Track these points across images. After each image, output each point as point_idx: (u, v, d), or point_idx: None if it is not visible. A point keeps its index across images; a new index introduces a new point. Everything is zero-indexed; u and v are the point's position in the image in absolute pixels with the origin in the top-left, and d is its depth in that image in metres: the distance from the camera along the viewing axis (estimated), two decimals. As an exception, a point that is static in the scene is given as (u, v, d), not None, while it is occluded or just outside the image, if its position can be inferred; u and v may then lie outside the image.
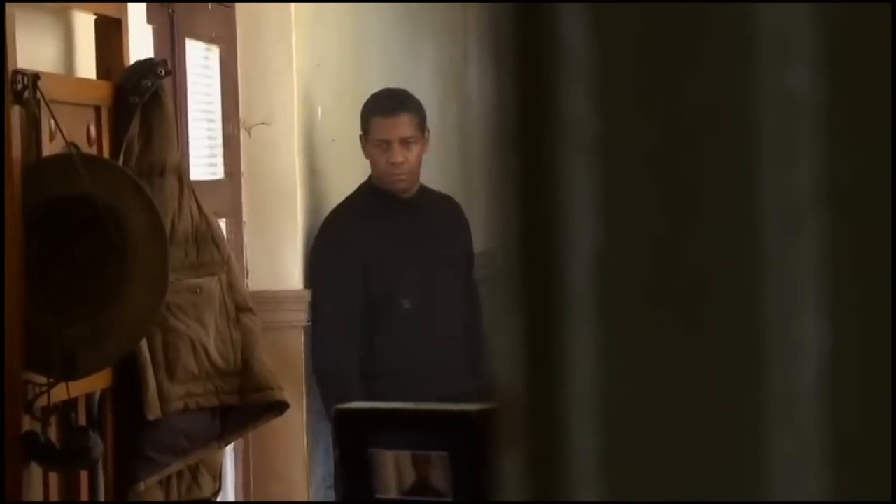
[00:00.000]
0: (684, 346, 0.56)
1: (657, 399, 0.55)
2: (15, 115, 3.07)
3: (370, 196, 4.70)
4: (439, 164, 5.80)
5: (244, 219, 4.77)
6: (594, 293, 0.55)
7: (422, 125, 4.70)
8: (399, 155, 4.62)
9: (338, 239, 4.60)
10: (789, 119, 0.55)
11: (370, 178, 4.69)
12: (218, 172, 4.70)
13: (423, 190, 4.78)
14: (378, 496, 2.01)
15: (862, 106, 0.55)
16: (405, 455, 1.99)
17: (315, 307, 4.49)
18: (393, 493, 2.01)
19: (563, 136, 0.55)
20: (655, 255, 0.55)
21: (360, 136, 4.67)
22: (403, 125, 4.65)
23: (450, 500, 1.96)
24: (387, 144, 4.61)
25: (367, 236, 4.59)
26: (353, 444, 2.04)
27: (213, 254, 3.62)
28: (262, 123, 4.82)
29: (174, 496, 3.56)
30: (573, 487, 0.55)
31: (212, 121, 4.69)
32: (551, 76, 0.55)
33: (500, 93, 0.56)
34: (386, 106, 4.65)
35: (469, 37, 6.31)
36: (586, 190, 0.55)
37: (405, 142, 4.63)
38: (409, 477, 1.99)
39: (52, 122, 3.20)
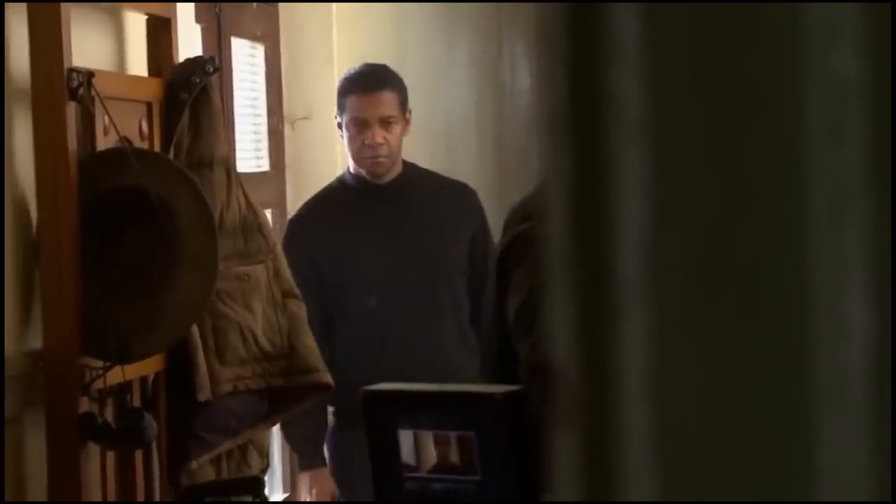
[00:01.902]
0: (734, 328, 0.54)
1: (708, 380, 0.54)
2: (71, 111, 3.07)
3: (341, 186, 4.22)
4: (475, 156, 5.78)
5: (288, 209, 4.76)
6: (646, 277, 0.54)
7: (403, 104, 4.16)
8: (378, 135, 4.08)
9: (292, 239, 4.09)
10: (836, 103, 0.53)
11: (348, 167, 4.22)
12: (263, 165, 4.70)
13: (411, 174, 4.24)
14: (407, 475, 2.00)
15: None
16: (431, 435, 1.98)
17: None
18: (421, 472, 1.99)
19: (614, 122, 0.54)
20: (705, 238, 0.54)
21: (335, 116, 4.19)
22: (384, 104, 4.12)
23: (477, 478, 1.95)
24: (365, 124, 4.08)
25: (323, 229, 4.13)
26: (380, 425, 2.03)
27: (259, 243, 3.62)
28: (305, 118, 4.81)
29: (224, 474, 3.57)
30: (627, 466, 0.54)
31: (257, 115, 4.69)
32: (602, 62, 0.54)
33: (551, 79, 0.54)
34: (365, 83, 4.12)
35: (503, 32, 6.29)
36: (637, 175, 0.54)
37: (385, 121, 4.10)
38: (436, 456, 1.98)
39: (106, 117, 3.20)
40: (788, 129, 0.54)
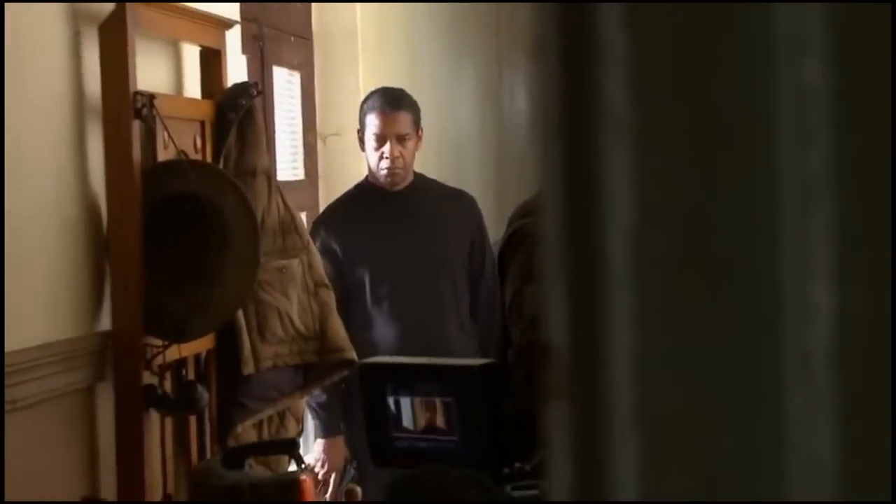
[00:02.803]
0: (710, 311, 0.51)
1: (686, 358, 0.50)
2: (135, 128, 3.06)
3: (360, 191, 4.14)
4: (479, 166, 5.75)
5: (320, 212, 4.74)
6: (631, 265, 0.50)
7: (417, 123, 4.13)
8: (395, 150, 4.05)
9: (317, 234, 4.02)
10: (803, 108, 0.50)
11: (366, 176, 4.19)
12: (299, 174, 4.68)
13: (420, 183, 4.19)
14: (396, 435, 1.97)
15: (866, 95, 0.50)
16: (419, 401, 1.96)
17: None
18: (409, 433, 1.97)
19: (603, 124, 0.50)
20: (685, 231, 0.50)
21: (358, 131, 4.15)
22: (401, 122, 4.09)
23: (456, 438, 1.92)
24: (383, 140, 4.05)
25: (344, 228, 4.06)
26: (374, 392, 2.01)
27: (295, 240, 3.61)
28: (335, 134, 4.79)
29: (265, 436, 3.56)
30: (612, 434, 0.50)
31: (294, 132, 4.67)
32: (592, 70, 0.50)
33: (546, 87, 0.51)
34: (385, 103, 4.09)
35: (503, 61, 6.27)
36: (623, 171, 0.50)
37: (401, 138, 4.07)
38: (422, 419, 1.96)
39: (166, 134, 3.19)
40: (760, 131, 0.50)
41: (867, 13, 0.50)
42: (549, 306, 0.50)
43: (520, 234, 2.92)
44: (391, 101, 4.10)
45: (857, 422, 0.50)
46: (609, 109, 0.50)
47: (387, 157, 4.06)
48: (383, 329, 4.03)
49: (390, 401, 1.96)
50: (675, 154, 0.50)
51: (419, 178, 4.20)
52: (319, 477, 4.07)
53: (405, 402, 1.96)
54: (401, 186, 4.13)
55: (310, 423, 4.50)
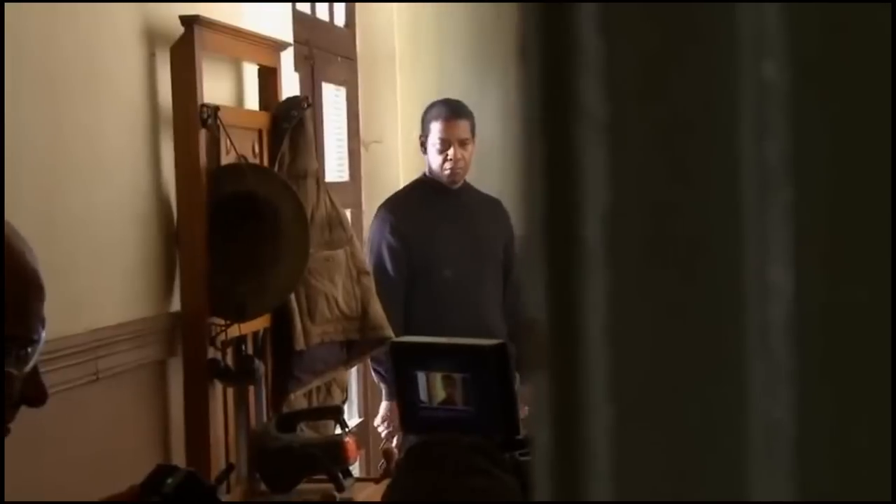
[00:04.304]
0: (678, 289, 0.48)
1: (656, 332, 0.48)
2: (201, 136, 3.06)
3: (421, 186, 4.12)
4: (501, 173, 5.72)
5: (363, 209, 4.73)
6: (605, 247, 0.48)
7: (473, 130, 4.14)
8: (458, 153, 4.06)
9: (385, 221, 4.04)
10: (763, 104, 0.47)
11: (423, 174, 4.14)
12: (344, 176, 4.67)
13: (468, 185, 4.19)
14: (422, 405, 1.96)
15: (823, 93, 0.47)
16: (440, 376, 1.94)
17: (375, 276, 3.80)
18: (433, 404, 1.95)
19: (579, 120, 0.48)
20: (655, 216, 0.48)
21: (420, 136, 4.13)
22: (462, 128, 4.09)
23: (471, 409, 1.91)
24: (447, 144, 4.05)
25: (412, 218, 4.02)
26: (403, 368, 1.99)
27: (340, 234, 3.60)
28: (376, 142, 4.77)
29: (314, 403, 3.55)
30: (588, 403, 0.48)
31: (340, 140, 4.66)
32: (569, 71, 0.48)
33: (527, 87, 0.48)
34: (449, 112, 4.09)
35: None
36: (598, 163, 0.48)
37: (462, 142, 4.08)
38: (443, 393, 1.94)
39: (228, 140, 3.18)
40: (724, 125, 0.48)
41: (822, 14, 0.47)
42: (529, 285, 0.48)
43: None
44: (454, 110, 4.09)
45: (812, 388, 0.47)
46: (584, 107, 0.47)
47: (451, 160, 4.05)
48: (446, 308, 3.98)
49: (417, 375, 1.94)
50: (644, 148, 0.47)
51: (465, 181, 4.20)
52: (383, 435, 4.06)
53: (430, 377, 1.94)
54: (457, 185, 4.12)
55: (354, 393, 4.49)
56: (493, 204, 4.22)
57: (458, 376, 1.91)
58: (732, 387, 0.47)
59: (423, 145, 4.10)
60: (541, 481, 0.47)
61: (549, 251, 0.47)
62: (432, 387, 1.94)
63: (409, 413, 1.98)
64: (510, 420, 1.89)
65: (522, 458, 1.75)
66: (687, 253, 0.47)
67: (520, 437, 1.86)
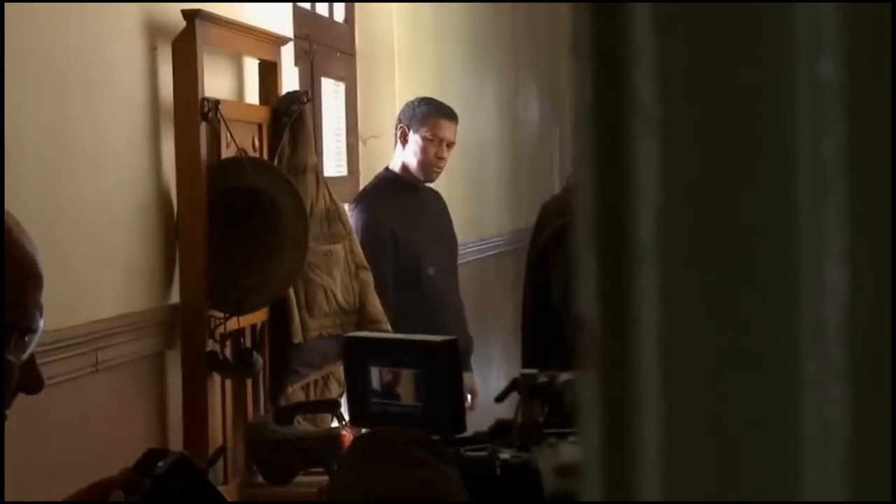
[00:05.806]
0: (729, 286, 0.47)
1: (709, 330, 0.47)
2: (202, 129, 3.04)
3: (395, 182, 4.06)
4: (496, 169, 5.71)
5: (364, 197, 4.70)
6: (658, 243, 0.47)
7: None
8: (447, 152, 4.06)
9: (374, 219, 3.97)
10: (819, 102, 0.46)
11: (387, 168, 4.10)
12: (343, 171, 4.65)
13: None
14: (372, 401, 1.93)
15: (879, 90, 0.46)
16: (392, 371, 1.92)
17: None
18: (382, 399, 1.93)
19: (631, 114, 0.47)
20: (707, 212, 0.47)
21: (400, 127, 4.06)
22: (454, 131, 4.10)
23: (421, 405, 1.88)
24: (440, 142, 4.03)
25: (396, 216, 4.01)
26: (355, 362, 1.96)
27: (339, 228, 3.59)
28: (374, 137, 4.76)
29: (312, 397, 3.53)
30: (639, 398, 0.47)
31: (339, 135, 4.64)
32: (621, 66, 0.47)
33: (580, 81, 0.47)
34: (448, 113, 4.09)
35: (518, 77, 6.22)
36: (651, 159, 0.47)
37: (450, 144, 4.08)
38: (394, 387, 1.92)
39: (228, 134, 3.17)
40: (779, 123, 0.47)
41: (876, 13, 0.46)
42: (582, 282, 0.47)
43: (559, 235, 2.76)
44: (450, 112, 4.09)
45: (865, 389, 0.46)
46: (636, 101, 0.46)
47: (439, 157, 4.04)
48: (431, 304, 3.97)
49: (369, 370, 1.92)
50: (696, 144, 0.46)
51: None
52: None
53: (381, 372, 1.92)
54: (429, 183, 4.13)
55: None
56: (439, 196, 4.22)
57: (409, 371, 1.89)
58: (786, 386, 0.46)
59: (404, 138, 4.04)
60: (590, 478, 0.46)
61: (601, 247, 0.46)
62: (384, 382, 1.91)
63: (359, 407, 1.96)
64: (456, 416, 1.88)
65: (468, 454, 1.74)
66: (741, 251, 0.46)
67: (465, 433, 1.85)
